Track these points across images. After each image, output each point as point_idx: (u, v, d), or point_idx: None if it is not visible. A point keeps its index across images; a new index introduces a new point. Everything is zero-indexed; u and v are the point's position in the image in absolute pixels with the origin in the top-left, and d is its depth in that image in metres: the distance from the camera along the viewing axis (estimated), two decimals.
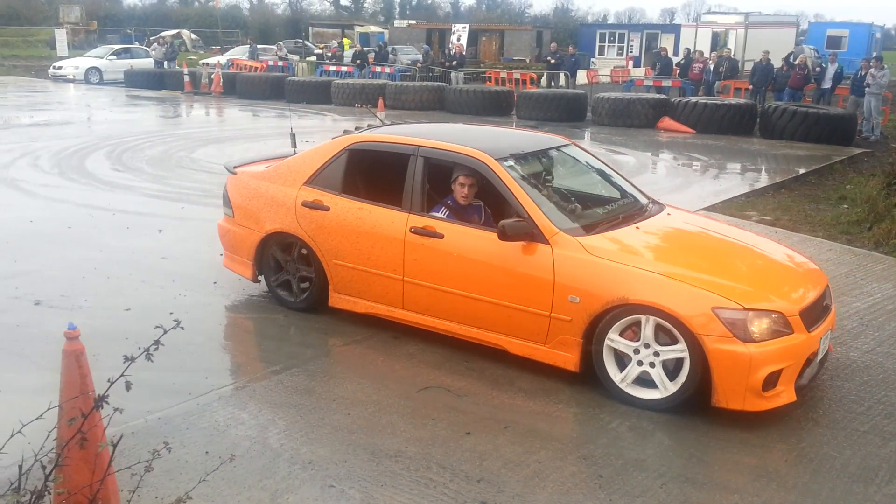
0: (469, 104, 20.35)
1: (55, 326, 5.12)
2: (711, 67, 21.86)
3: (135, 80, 27.91)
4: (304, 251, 5.64)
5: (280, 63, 29.21)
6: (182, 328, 2.78)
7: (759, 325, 4.14)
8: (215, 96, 24.76)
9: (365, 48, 31.17)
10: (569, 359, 4.60)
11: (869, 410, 4.42)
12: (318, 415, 4.21)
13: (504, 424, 4.15)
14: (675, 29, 42.04)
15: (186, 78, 26.12)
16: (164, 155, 12.83)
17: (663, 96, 18.89)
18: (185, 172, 11.37)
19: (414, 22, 56.63)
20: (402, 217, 5.13)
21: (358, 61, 27.31)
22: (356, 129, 6.11)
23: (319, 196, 5.49)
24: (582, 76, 27.07)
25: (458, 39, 35.70)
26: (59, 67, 30.92)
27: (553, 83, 23.97)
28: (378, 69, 26.82)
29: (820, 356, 4.49)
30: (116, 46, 33.60)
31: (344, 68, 27.23)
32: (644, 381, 4.40)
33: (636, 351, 4.39)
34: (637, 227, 4.92)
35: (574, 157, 5.77)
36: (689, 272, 4.37)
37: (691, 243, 5.05)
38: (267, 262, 5.83)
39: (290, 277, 5.78)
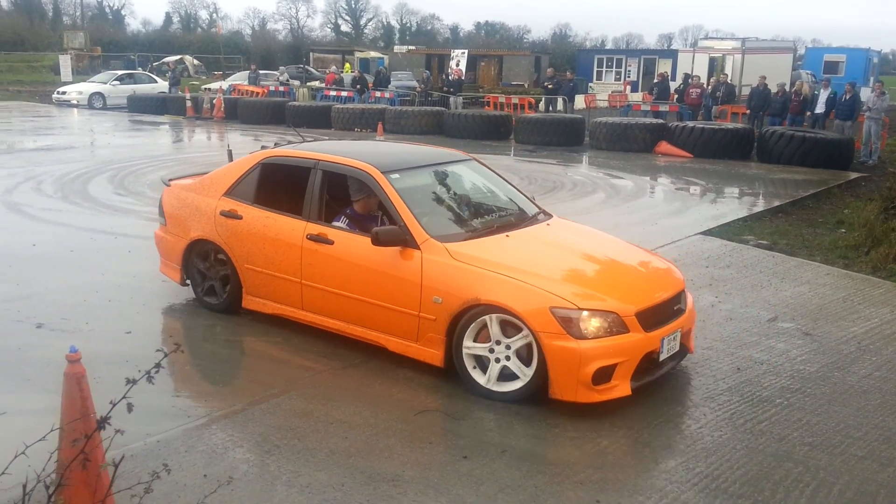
0: (468, 129, 20.50)
1: (56, 350, 5.15)
2: (709, 92, 22.03)
3: (138, 106, 28.12)
4: (221, 257, 6.10)
5: (281, 88, 29.45)
6: (182, 351, 2.83)
7: (591, 324, 4.52)
8: (217, 121, 24.93)
9: (365, 74, 31.43)
10: (435, 355, 4.97)
11: (866, 436, 4.43)
12: (315, 438, 4.23)
13: (501, 448, 4.18)
14: (672, 54, 42.37)
15: (189, 103, 26.33)
16: None
17: (661, 121, 19.03)
18: None
19: (413, 48, 57.14)
20: (301, 225, 5.58)
21: (358, 86, 27.53)
22: (275, 144, 6.55)
23: (235, 206, 5.98)
24: (580, 101, 27.26)
25: (457, 65, 35.98)
26: (64, 93, 31.14)
27: (551, 108, 24.16)
28: (378, 94, 27.04)
29: (666, 355, 4.86)
30: (120, 72, 33.88)
31: (344, 93, 27.44)
32: (507, 375, 4.75)
33: (491, 350, 4.76)
34: (507, 236, 5.31)
35: (473, 171, 6.22)
36: (536, 275, 4.75)
37: (551, 250, 5.32)
38: (191, 268, 6.31)
39: (212, 282, 6.23)
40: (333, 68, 38.32)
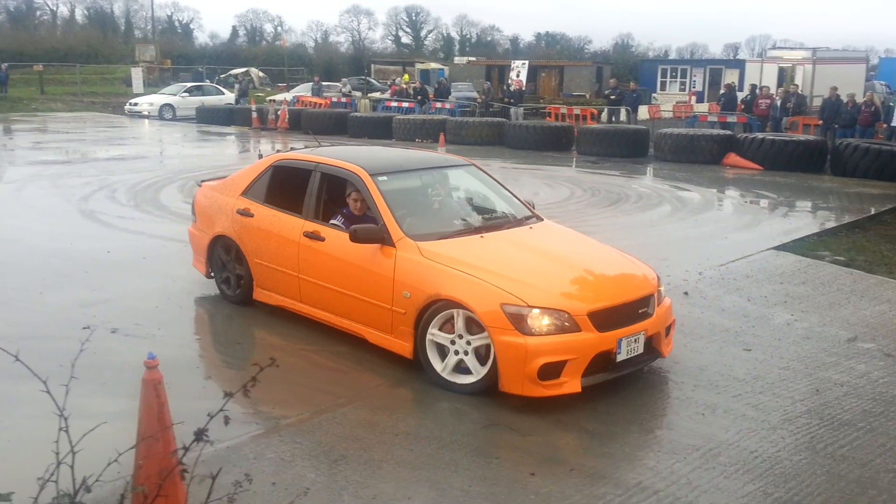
0: (528, 140, 20.40)
1: (130, 354, 5.29)
2: (778, 103, 21.48)
3: (206, 117, 28.83)
4: (236, 251, 6.55)
5: (343, 99, 29.83)
6: (277, 366, 2.85)
7: (541, 321, 4.70)
8: (281, 132, 25.36)
9: (425, 85, 31.61)
10: (405, 347, 5.23)
11: None
12: (381, 449, 4.21)
13: (569, 466, 4.09)
14: (739, 64, 41.48)
15: (254, 114, 26.87)
16: None
17: (729, 132, 18.62)
18: None
19: (474, 59, 57.30)
20: (300, 223, 5.99)
21: (419, 97, 27.69)
22: (291, 148, 7.19)
23: (248, 205, 6.46)
24: (643, 111, 26.90)
25: (518, 75, 35.95)
26: (135, 104, 32.12)
27: (614, 119, 23.89)
28: (438, 105, 27.15)
29: (625, 357, 4.94)
30: (189, 84, 34.79)
31: (405, 104, 27.64)
32: (462, 368, 4.97)
33: (452, 342, 4.99)
34: (482, 237, 5.56)
35: (471, 176, 6.57)
36: (495, 274, 4.96)
37: (520, 251, 5.47)
38: (214, 261, 6.79)
39: (230, 274, 6.68)
40: (397, 80, 38.61)
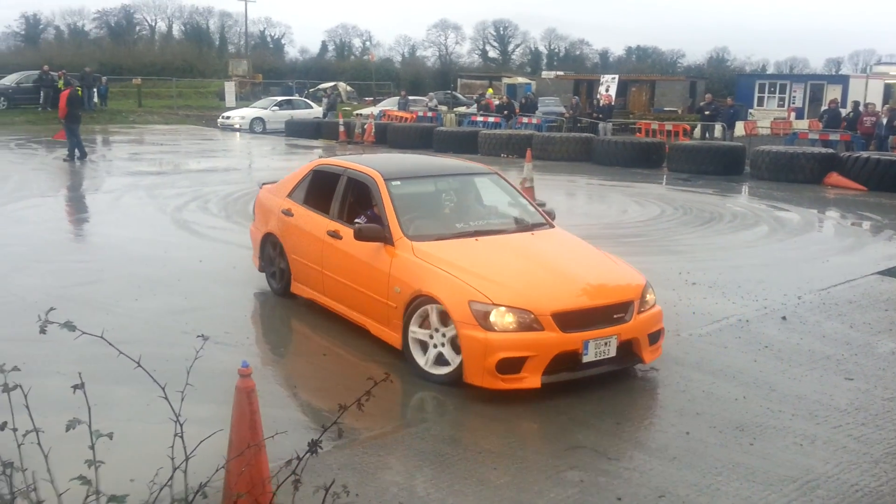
0: (617, 156, 20.07)
1: (220, 362, 5.39)
2: (884, 121, 20.45)
3: (294, 130, 29.58)
4: (280, 248, 7.12)
5: (429, 114, 30.09)
6: (391, 381, 2.82)
7: (504, 319, 4.97)
8: (367, 145, 25.77)
9: (512, 99, 31.57)
10: (396, 338, 5.57)
11: None
12: (464, 466, 4.14)
13: (658, 493, 3.92)
14: (842, 80, 39.86)
15: (341, 128, 27.40)
16: None
17: (831, 150, 17.84)
18: None
19: (561, 73, 56.98)
20: (326, 222, 6.48)
21: (505, 112, 27.66)
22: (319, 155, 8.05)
23: (291, 205, 7.05)
24: (739, 128, 26.10)
25: (607, 90, 35.49)
26: (228, 117, 33.19)
27: (708, 135, 23.26)
28: (525, 120, 27.05)
29: (592, 358, 5.11)
30: (279, 98, 35.76)
31: (491, 119, 27.65)
32: (443, 361, 5.25)
33: (431, 336, 5.31)
34: (476, 240, 5.87)
35: (492, 183, 6.91)
36: (473, 274, 5.26)
37: (508, 255, 5.72)
38: (265, 256, 7.44)
39: (276, 268, 7.27)
40: (491, 93, 38.71)
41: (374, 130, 26.21)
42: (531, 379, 4.98)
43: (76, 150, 18.50)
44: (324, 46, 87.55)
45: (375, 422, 4.70)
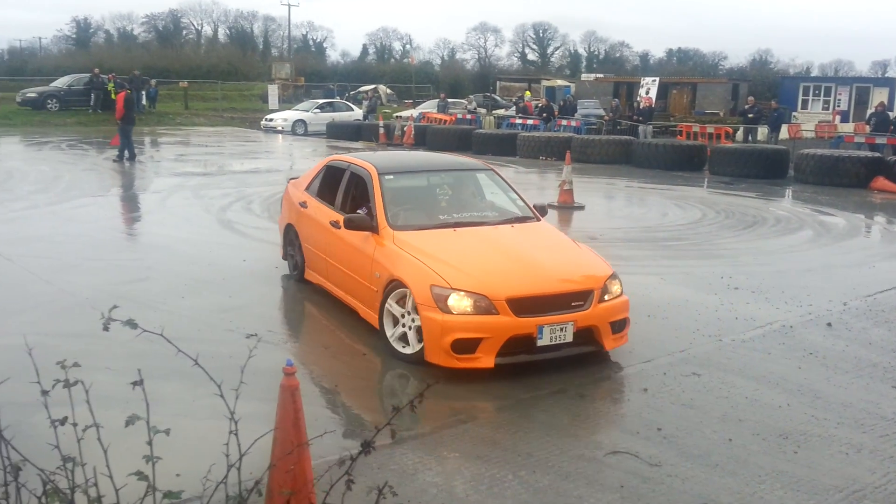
0: (658, 158, 19.89)
1: (263, 360, 5.41)
2: None
3: (335, 132, 29.86)
4: (297, 236, 7.74)
5: (468, 116, 30.13)
6: (438, 384, 2.86)
7: (459, 302, 5.32)
8: (407, 147, 25.89)
9: (551, 102, 31.45)
10: (375, 319, 5.97)
11: None
12: (503, 468, 4.16)
13: (701, 500, 3.89)
14: (889, 82, 39.03)
15: (381, 130, 27.57)
16: None
17: (877, 154, 17.47)
18: None
19: (601, 75, 56.57)
20: (331, 213, 6.97)
21: (544, 114, 27.57)
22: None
23: (306, 198, 7.64)
24: (783, 131, 25.68)
25: (647, 92, 35.11)
26: (271, 119, 33.64)
27: (750, 138, 22.92)
28: (564, 122, 26.94)
29: (548, 342, 5.40)
30: (321, 101, 36.11)
31: (529, 121, 27.60)
32: (407, 340, 5.66)
33: (402, 316, 5.71)
34: (454, 231, 6.25)
35: (487, 179, 7.29)
36: (438, 260, 5.64)
37: (480, 244, 6.07)
38: (287, 245, 8.11)
39: (295, 256, 7.87)
40: (529, 95, 38.64)
41: (413, 132, 26.33)
42: (485, 359, 5.31)
43: (126, 152, 18.92)
44: (364, 50, 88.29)
45: (414, 421, 4.75)
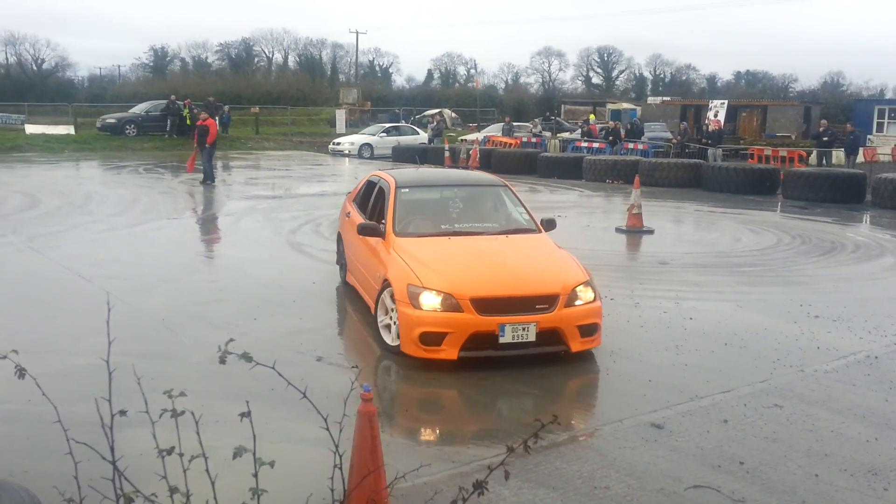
0: (728, 182, 19.47)
1: (334, 383, 5.50)
2: None
3: (401, 155, 30.13)
4: (342, 243, 8.62)
5: (533, 140, 30.08)
6: (559, 423, 2.80)
7: (427, 300, 5.94)
8: (472, 171, 25.94)
9: (619, 124, 31.16)
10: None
11: None
12: (577, 499, 4.04)
13: None
14: None
15: (447, 153, 27.72)
16: None
17: None
18: None
19: (668, 98, 55.88)
20: (360, 221, 7.61)
21: (610, 138, 27.32)
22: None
23: (350, 209, 8.51)
24: (860, 154, 24.86)
25: (716, 115, 34.48)
26: (338, 143, 34.23)
27: (824, 161, 22.25)
28: (630, 146, 26.64)
29: (510, 340, 5.89)
30: (387, 125, 36.60)
31: (595, 145, 27.38)
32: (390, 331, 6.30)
33: (388, 311, 6.34)
34: (449, 239, 6.92)
35: (502, 194, 7.84)
36: (421, 263, 6.27)
37: (466, 252, 6.64)
38: (339, 252, 8.92)
39: (343, 262, 8.63)
40: (593, 119, 38.44)
41: (478, 156, 26.40)
42: (449, 351, 5.88)
43: (211, 175, 19.86)
44: (429, 74, 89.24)
45: (488, 449, 4.66)
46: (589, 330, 6.19)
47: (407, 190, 7.52)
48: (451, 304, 5.88)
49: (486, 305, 5.88)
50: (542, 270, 6.43)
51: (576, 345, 6.12)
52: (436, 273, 6.13)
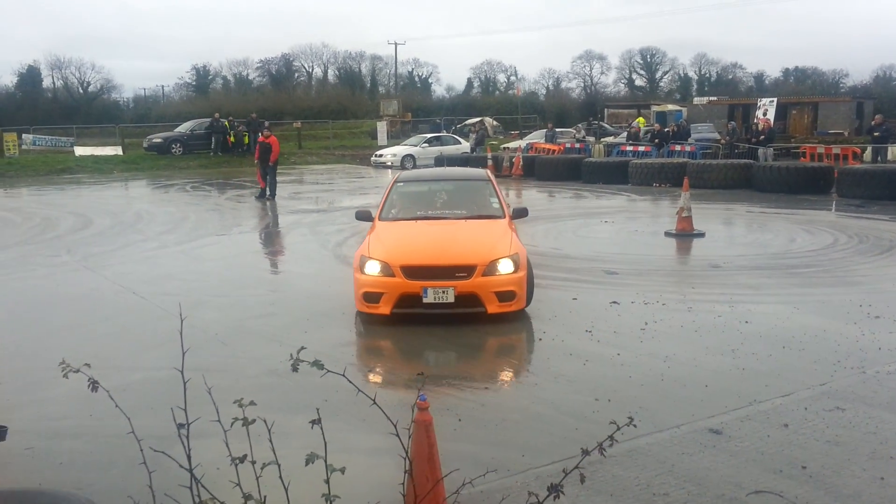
0: (780, 182, 19.07)
1: (384, 393, 5.52)
2: None
3: (443, 165, 30.19)
4: None
5: (577, 145, 29.89)
6: (635, 426, 2.79)
7: (370, 267, 7.40)
8: (515, 178, 25.91)
9: (665, 128, 30.79)
10: None
11: None
12: None
13: None
14: None
15: (489, 161, 27.71)
16: None
17: None
18: None
19: (714, 98, 55.05)
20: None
21: (656, 140, 27.01)
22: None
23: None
24: None
25: (765, 114, 33.86)
26: (380, 155, 34.47)
27: (880, 158, 21.64)
28: (677, 147, 26.29)
29: (432, 300, 7.17)
30: (429, 135, 36.71)
31: (641, 148, 27.09)
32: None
33: None
34: (416, 222, 8.28)
35: (482, 186, 9.15)
36: (380, 240, 7.73)
37: (422, 230, 8.06)
38: None
39: None
40: (642, 122, 38.09)
41: (521, 163, 26.33)
42: (384, 308, 7.30)
43: (267, 190, 20.54)
44: (469, 83, 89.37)
45: (542, 457, 4.62)
46: (507, 296, 7.28)
47: (402, 184, 9.14)
48: (387, 270, 7.27)
49: (412, 272, 7.20)
50: (469, 246, 7.56)
51: (493, 307, 7.24)
52: (382, 246, 7.56)
